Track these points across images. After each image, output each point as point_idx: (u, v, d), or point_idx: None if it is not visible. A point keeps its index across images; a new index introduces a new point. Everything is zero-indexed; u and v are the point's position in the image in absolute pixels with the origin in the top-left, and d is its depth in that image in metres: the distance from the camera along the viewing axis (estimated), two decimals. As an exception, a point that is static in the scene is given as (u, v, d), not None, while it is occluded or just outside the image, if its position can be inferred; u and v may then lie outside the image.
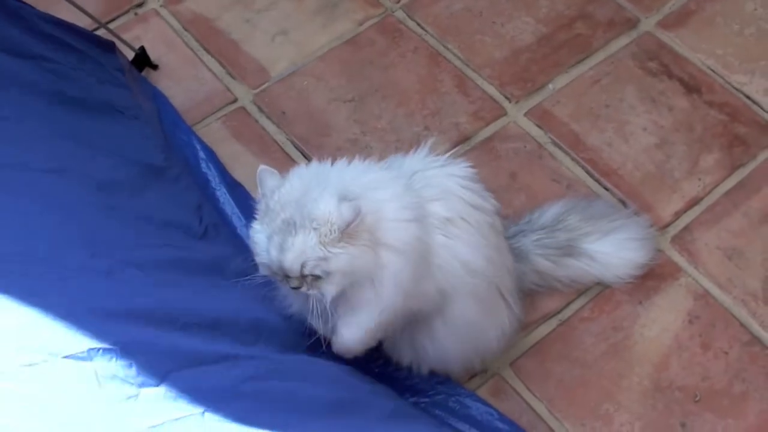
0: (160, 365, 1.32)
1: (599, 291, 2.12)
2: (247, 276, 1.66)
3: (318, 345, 1.68)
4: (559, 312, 2.10)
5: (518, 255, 1.97)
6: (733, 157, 2.34)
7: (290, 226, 1.52)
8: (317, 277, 1.55)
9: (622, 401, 1.97)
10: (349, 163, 1.72)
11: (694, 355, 2.04)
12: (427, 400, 1.94)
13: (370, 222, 1.55)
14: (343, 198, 1.54)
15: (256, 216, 1.62)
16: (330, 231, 1.51)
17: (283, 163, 2.33)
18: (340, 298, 1.60)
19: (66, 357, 1.27)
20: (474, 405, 1.94)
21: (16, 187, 1.66)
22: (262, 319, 1.68)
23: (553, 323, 2.09)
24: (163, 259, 1.74)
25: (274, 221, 1.55)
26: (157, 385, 1.30)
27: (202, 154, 2.31)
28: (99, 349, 1.29)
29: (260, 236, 1.58)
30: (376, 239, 1.56)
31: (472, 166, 1.76)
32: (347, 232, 1.52)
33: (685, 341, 2.05)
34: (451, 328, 1.78)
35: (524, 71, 2.53)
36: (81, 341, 1.29)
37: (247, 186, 2.28)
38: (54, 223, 1.61)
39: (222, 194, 2.25)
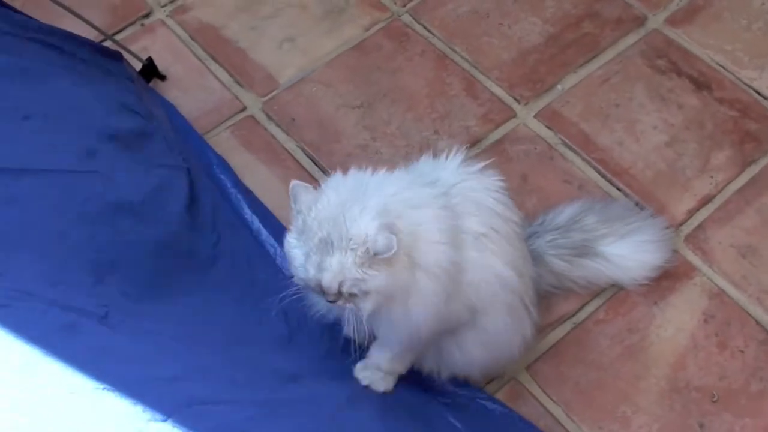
0: (166, 403, 1.32)
1: (614, 293, 2.11)
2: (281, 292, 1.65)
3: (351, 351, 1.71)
4: (573, 315, 2.09)
5: (533, 257, 1.95)
6: (744, 154, 2.32)
7: (328, 246, 1.50)
8: (354, 295, 1.54)
9: (640, 403, 1.97)
10: (390, 172, 1.70)
11: (711, 354, 2.03)
12: (448, 400, 1.94)
13: (408, 242, 1.54)
14: (383, 215, 1.52)
15: (292, 230, 1.59)
16: (367, 253, 1.50)
17: (294, 171, 2.33)
18: (376, 314, 1.59)
19: (72, 393, 1.28)
20: (495, 408, 1.94)
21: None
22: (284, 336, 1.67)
23: (567, 326, 2.08)
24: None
25: (311, 239, 1.52)
26: (164, 421, 1.31)
27: (215, 160, 2.31)
28: (103, 388, 1.29)
29: (297, 252, 1.55)
30: (412, 259, 1.55)
31: (503, 180, 1.75)
32: (383, 258, 1.51)
33: (701, 341, 2.05)
34: (481, 339, 1.79)
35: (532, 72, 2.52)
36: (86, 381, 1.30)
37: (258, 193, 2.28)
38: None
39: (237, 199, 2.24)
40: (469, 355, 1.82)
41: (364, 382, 1.82)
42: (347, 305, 1.56)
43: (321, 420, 1.54)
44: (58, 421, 1.27)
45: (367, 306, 1.55)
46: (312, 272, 1.52)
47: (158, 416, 1.31)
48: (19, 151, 1.82)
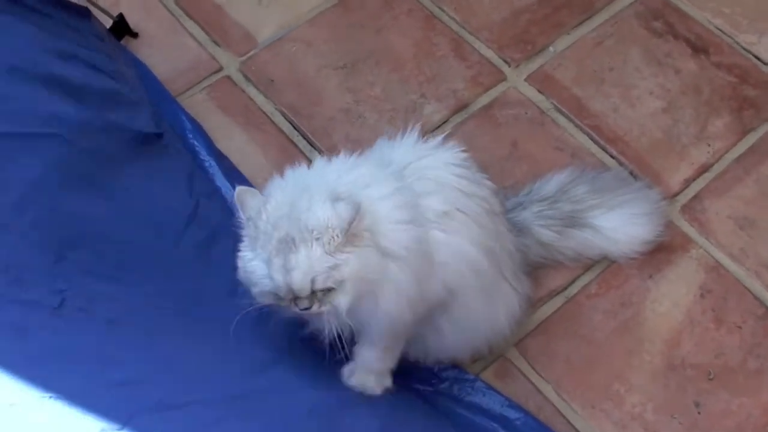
0: (120, 410, 1.22)
1: (607, 265, 2.02)
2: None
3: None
4: (565, 289, 2.01)
5: (519, 228, 1.88)
6: (743, 121, 2.23)
7: (289, 244, 1.40)
8: (328, 291, 1.44)
9: (633, 381, 1.89)
10: (330, 161, 1.59)
11: (707, 330, 1.95)
12: (430, 389, 1.86)
13: (368, 223, 1.45)
14: (335, 199, 1.44)
15: (244, 242, 1.48)
16: (333, 237, 1.41)
17: (273, 136, 2.23)
18: (355, 310, 1.48)
19: (11, 405, 1.17)
20: (479, 391, 1.86)
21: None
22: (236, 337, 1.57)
23: (559, 300, 1.99)
24: (141, 244, 1.65)
25: (269, 243, 1.42)
26: (120, 430, 1.21)
27: (188, 125, 2.20)
28: (49, 396, 1.18)
29: (255, 263, 1.44)
30: (376, 242, 1.46)
31: (464, 150, 1.64)
32: (351, 233, 1.41)
33: (697, 316, 1.97)
34: (459, 323, 1.70)
35: (524, 33, 2.41)
36: (30, 390, 1.19)
37: (234, 159, 2.18)
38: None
39: (211, 166, 2.14)
40: (450, 341, 1.75)
41: (358, 389, 1.69)
42: (323, 308, 1.45)
43: (300, 414, 1.44)
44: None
45: (344, 300, 1.44)
46: (279, 277, 1.41)
47: (113, 425, 1.20)
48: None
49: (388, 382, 1.73)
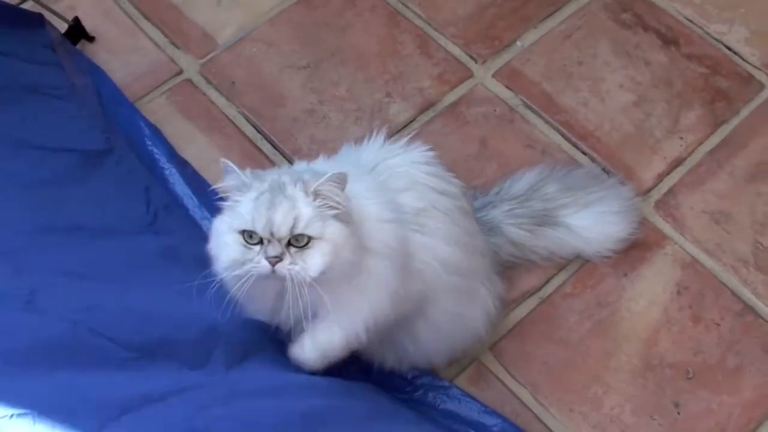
0: (93, 418, 1.15)
1: (581, 264, 1.98)
2: (206, 269, 1.47)
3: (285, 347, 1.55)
4: (539, 289, 1.97)
5: (490, 228, 1.86)
6: (715, 113, 2.20)
7: (281, 186, 1.40)
8: (302, 249, 1.39)
9: (611, 382, 1.85)
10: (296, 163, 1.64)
11: (685, 328, 1.91)
12: (405, 396, 1.81)
13: (355, 219, 1.44)
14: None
15: (231, 199, 1.45)
16: (334, 190, 1.41)
17: (236, 139, 2.18)
18: (324, 284, 1.43)
19: None
20: (454, 398, 1.81)
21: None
22: (216, 326, 1.50)
23: (533, 302, 1.95)
24: (103, 257, 1.57)
25: (261, 185, 1.41)
26: None
27: (147, 132, 2.14)
28: (13, 415, 1.11)
29: (244, 203, 1.41)
30: (360, 236, 1.44)
31: (431, 148, 1.63)
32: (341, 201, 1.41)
33: (674, 314, 1.93)
34: (435, 327, 1.67)
35: (490, 28, 2.37)
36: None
37: (196, 164, 2.12)
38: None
39: (171, 174, 2.08)
40: (426, 346, 1.71)
41: (304, 364, 1.58)
42: (293, 266, 1.38)
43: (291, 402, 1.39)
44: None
45: (316, 261, 1.39)
46: (263, 210, 1.38)
47: None
48: None
49: (320, 365, 1.61)
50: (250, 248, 1.40)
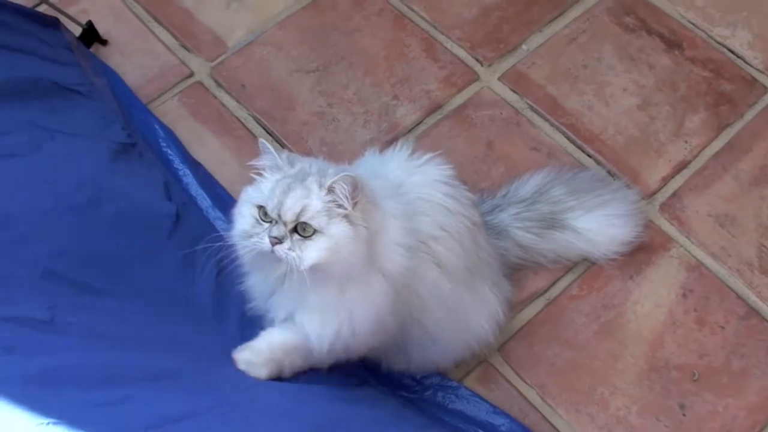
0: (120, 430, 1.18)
1: (587, 267, 2.01)
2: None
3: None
4: (546, 291, 1.99)
5: (497, 232, 1.88)
6: (719, 117, 2.22)
7: (302, 176, 1.47)
8: (304, 239, 1.44)
9: (618, 384, 1.88)
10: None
11: (690, 331, 1.94)
12: (414, 396, 1.84)
13: (373, 229, 1.49)
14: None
15: (264, 172, 1.53)
16: (341, 193, 1.45)
17: (246, 142, 2.19)
18: (315, 277, 1.47)
19: None
20: (463, 398, 1.84)
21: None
22: (225, 344, 1.53)
23: (540, 303, 1.98)
24: (126, 254, 1.62)
25: (289, 170, 1.49)
26: None
27: (161, 133, 2.17)
28: (48, 423, 1.14)
29: (267, 181, 1.50)
30: (372, 252, 1.49)
31: (450, 167, 1.67)
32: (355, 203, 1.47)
33: (679, 317, 1.96)
34: (439, 337, 1.71)
35: (496, 31, 2.39)
36: (27, 418, 1.15)
37: (208, 166, 2.14)
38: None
39: (185, 174, 2.11)
40: (430, 353, 1.77)
41: (241, 366, 1.57)
42: (291, 252, 1.44)
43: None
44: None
45: (311, 254, 1.44)
46: (277, 193, 1.46)
47: None
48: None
49: (266, 374, 1.60)
50: (260, 224, 1.47)
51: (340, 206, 1.45)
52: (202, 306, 1.70)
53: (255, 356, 1.57)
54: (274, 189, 1.46)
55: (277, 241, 1.44)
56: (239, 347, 1.58)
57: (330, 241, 1.44)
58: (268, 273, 1.53)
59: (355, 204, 1.46)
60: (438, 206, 1.61)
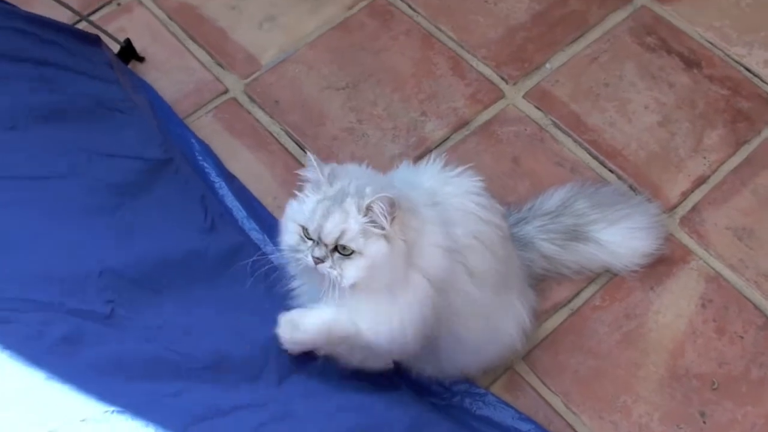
0: (176, 421, 1.25)
1: (609, 278, 2.07)
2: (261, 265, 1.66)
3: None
4: (570, 301, 2.05)
5: (523, 243, 1.94)
6: (737, 133, 2.29)
7: (343, 196, 1.54)
8: (344, 258, 1.53)
9: (640, 392, 1.93)
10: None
11: (710, 340, 2.00)
12: (443, 402, 1.90)
13: (412, 237, 1.56)
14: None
15: (305, 190, 1.61)
16: (380, 212, 1.51)
17: (279, 156, 2.27)
18: (355, 292, 1.56)
19: (83, 420, 1.20)
20: (490, 404, 1.90)
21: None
22: (267, 342, 1.60)
23: (564, 313, 2.04)
24: (170, 259, 1.71)
25: (329, 190, 1.56)
26: None
27: (197, 147, 2.24)
28: (113, 411, 1.22)
29: (309, 200, 1.57)
30: (411, 256, 1.56)
31: (481, 180, 1.73)
32: (393, 219, 1.53)
33: (699, 326, 2.01)
34: (469, 344, 1.78)
35: (520, 51, 2.46)
36: (94, 404, 1.22)
37: (242, 179, 2.22)
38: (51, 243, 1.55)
39: (221, 187, 2.18)
40: (461, 359, 1.84)
41: (283, 335, 1.61)
42: (332, 271, 1.53)
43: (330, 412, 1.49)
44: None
45: (351, 274, 1.53)
46: (318, 215, 1.53)
47: None
48: (6, 161, 1.76)
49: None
50: (305, 241, 1.56)
51: (377, 225, 1.52)
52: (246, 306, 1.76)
53: (300, 333, 1.61)
54: (314, 210, 1.54)
55: (320, 260, 1.53)
56: (287, 315, 1.62)
57: (368, 261, 1.53)
58: (317, 282, 1.60)
59: (392, 220, 1.52)
60: (471, 215, 1.67)
